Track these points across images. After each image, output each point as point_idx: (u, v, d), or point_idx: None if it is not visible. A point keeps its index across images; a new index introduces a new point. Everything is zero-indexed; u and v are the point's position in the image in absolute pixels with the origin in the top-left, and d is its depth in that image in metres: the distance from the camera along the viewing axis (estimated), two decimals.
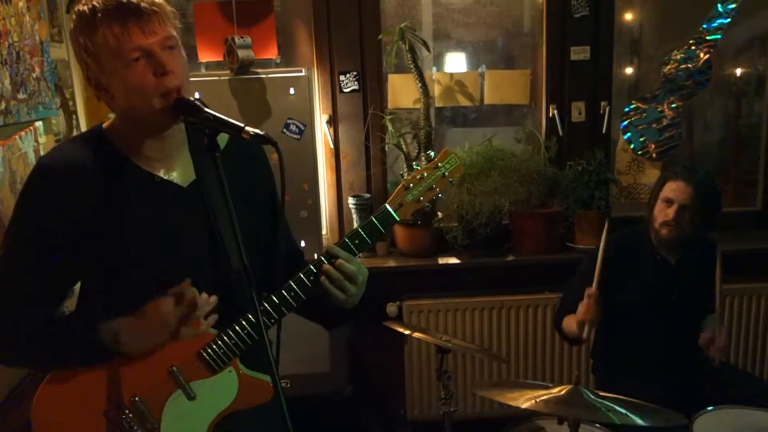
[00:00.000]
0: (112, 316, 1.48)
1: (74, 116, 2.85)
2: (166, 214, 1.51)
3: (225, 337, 1.54)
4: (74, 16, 1.42)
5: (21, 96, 2.35)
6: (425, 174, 1.61)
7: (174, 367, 1.52)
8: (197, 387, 1.54)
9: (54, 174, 1.44)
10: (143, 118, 1.43)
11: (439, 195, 1.66)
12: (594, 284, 2.46)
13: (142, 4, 1.38)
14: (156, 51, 1.38)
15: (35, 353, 1.52)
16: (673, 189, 2.58)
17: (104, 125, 1.54)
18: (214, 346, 1.54)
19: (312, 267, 1.55)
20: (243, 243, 1.33)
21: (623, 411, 1.98)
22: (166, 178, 1.52)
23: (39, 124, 2.47)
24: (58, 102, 2.68)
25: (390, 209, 1.59)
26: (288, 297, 1.54)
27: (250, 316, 1.53)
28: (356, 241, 1.58)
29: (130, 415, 1.49)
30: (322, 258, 1.56)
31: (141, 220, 1.48)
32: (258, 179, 1.67)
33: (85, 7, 1.39)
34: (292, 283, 1.54)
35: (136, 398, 1.50)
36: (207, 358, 1.54)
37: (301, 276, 1.54)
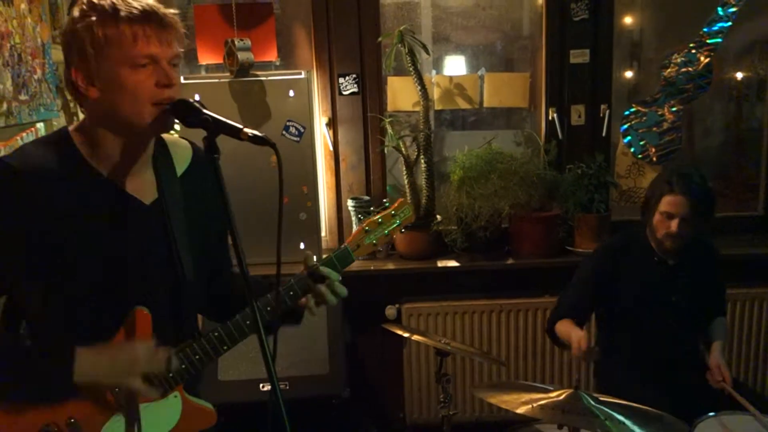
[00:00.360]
0: (65, 337, 1.45)
1: (75, 118, 2.85)
2: (128, 229, 1.50)
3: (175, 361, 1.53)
4: (86, 5, 1.39)
5: (22, 97, 2.35)
6: (381, 220, 1.72)
7: (117, 388, 1.48)
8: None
9: (16, 175, 1.39)
10: (124, 123, 1.42)
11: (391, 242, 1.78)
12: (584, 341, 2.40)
13: (167, 17, 1.40)
14: (164, 62, 1.40)
15: None
16: (671, 203, 2.54)
17: (71, 128, 1.50)
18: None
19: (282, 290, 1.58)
20: (244, 260, 1.33)
21: (622, 419, 1.96)
22: (130, 192, 1.50)
23: (40, 125, 2.47)
24: (60, 104, 2.69)
25: (349, 249, 1.68)
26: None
27: (204, 341, 1.54)
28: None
29: None
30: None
31: (101, 231, 1.46)
32: (214, 203, 1.68)
33: (106, 2, 1.38)
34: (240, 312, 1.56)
35: (72, 420, 1.45)
36: (154, 381, 1.51)
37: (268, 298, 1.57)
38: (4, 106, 2.42)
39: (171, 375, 1.52)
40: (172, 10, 1.43)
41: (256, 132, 1.34)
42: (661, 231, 2.60)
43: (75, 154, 1.46)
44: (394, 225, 1.73)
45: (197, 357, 1.53)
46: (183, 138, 1.67)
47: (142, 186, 1.52)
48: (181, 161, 1.60)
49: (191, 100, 1.40)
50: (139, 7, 1.37)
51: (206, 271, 1.66)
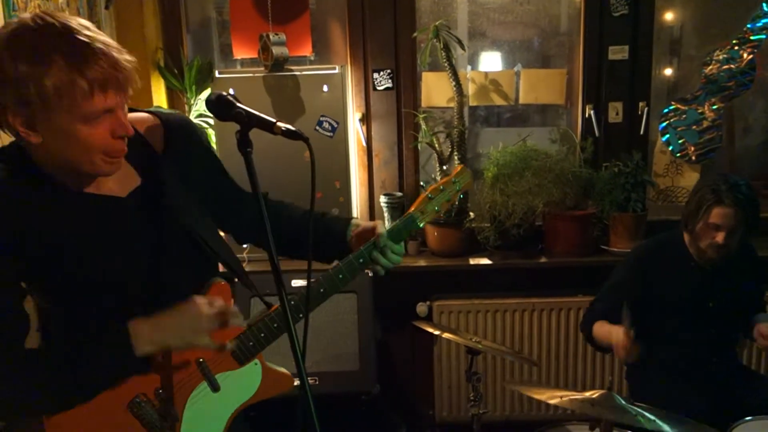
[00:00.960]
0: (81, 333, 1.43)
1: None
2: (109, 228, 1.45)
3: (255, 330, 1.59)
4: (25, 46, 1.24)
5: None
6: (443, 187, 1.80)
7: (202, 359, 1.54)
8: (222, 379, 1.58)
9: None
10: (72, 168, 1.36)
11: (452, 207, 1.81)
12: (625, 331, 2.36)
13: (123, 62, 1.30)
14: (119, 112, 1.34)
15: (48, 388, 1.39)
16: (721, 215, 2.45)
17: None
18: (244, 339, 1.58)
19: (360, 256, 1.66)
20: (272, 239, 1.31)
21: (654, 419, 1.93)
22: (97, 192, 1.45)
23: None
24: None
25: (414, 216, 1.75)
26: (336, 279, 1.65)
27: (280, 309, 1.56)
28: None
29: (154, 406, 1.49)
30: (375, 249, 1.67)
31: (81, 239, 1.41)
32: (203, 160, 1.66)
33: (54, 48, 1.23)
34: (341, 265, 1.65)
35: (160, 390, 1.50)
36: (237, 350, 1.58)
37: (351, 259, 1.65)
38: None
39: (252, 344, 1.58)
40: (127, 56, 1.32)
41: (289, 126, 1.34)
42: (705, 241, 2.52)
43: (31, 167, 1.38)
44: (455, 190, 1.81)
45: (275, 325, 1.59)
46: (142, 111, 1.57)
47: (113, 181, 1.47)
48: (157, 139, 1.54)
49: (224, 94, 1.39)
50: (94, 53, 1.25)
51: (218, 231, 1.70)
